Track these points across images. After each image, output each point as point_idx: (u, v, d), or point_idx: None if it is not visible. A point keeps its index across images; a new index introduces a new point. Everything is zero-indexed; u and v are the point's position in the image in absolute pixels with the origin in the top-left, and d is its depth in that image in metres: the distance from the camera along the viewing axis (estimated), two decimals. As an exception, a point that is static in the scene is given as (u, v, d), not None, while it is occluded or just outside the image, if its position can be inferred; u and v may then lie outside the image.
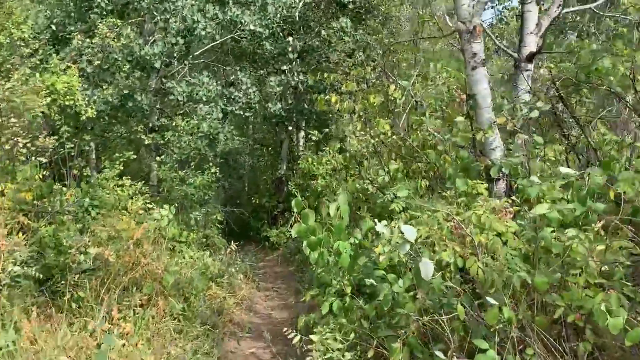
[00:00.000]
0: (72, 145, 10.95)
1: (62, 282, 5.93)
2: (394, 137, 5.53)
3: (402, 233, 3.86)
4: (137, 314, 5.88)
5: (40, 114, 8.61)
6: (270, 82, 12.29)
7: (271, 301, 8.91)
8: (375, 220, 4.50)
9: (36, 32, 11.24)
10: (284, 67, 12.25)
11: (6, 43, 10.46)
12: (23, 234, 7.59)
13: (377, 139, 5.47)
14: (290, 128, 13.85)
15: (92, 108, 10.03)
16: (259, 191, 16.71)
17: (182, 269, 9.05)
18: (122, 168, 12.26)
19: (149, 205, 9.64)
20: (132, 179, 12.46)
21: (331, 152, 9.91)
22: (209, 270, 8.78)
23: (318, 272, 4.88)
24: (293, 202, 4.44)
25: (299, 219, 4.33)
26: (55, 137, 10.73)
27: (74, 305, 5.64)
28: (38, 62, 10.47)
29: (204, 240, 10.63)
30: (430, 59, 9.15)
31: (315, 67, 12.89)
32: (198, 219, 10.19)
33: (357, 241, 4.59)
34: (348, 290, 4.60)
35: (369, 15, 12.09)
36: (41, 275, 6.28)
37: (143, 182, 12.41)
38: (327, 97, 7.93)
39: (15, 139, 7.89)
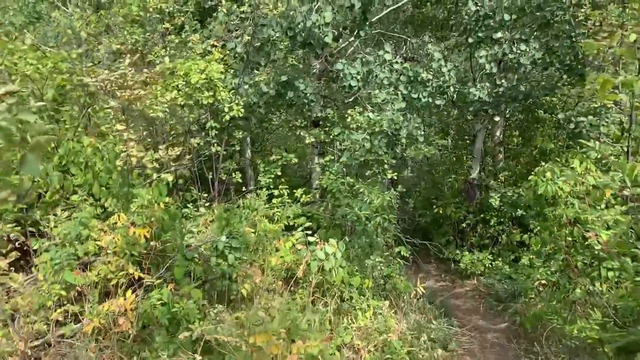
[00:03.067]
0: (218, 147, 8.65)
1: None
2: None
3: None
4: None
5: (162, 114, 6.20)
6: (479, 57, 8.65)
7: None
8: None
9: (179, 5, 9.04)
10: (498, 35, 8.52)
11: (140, 16, 8.37)
12: (133, 293, 5.26)
13: None
14: (497, 119, 10.10)
15: (237, 104, 7.45)
16: (441, 196, 13.23)
17: (354, 341, 6.12)
18: (278, 173, 9.81)
19: (310, 238, 6.85)
20: (289, 186, 9.96)
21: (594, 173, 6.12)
22: (398, 352, 5.68)
23: None
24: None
25: None
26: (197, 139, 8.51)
27: None
28: (177, 42, 8.20)
29: (382, 283, 7.58)
30: None
31: (541, 29, 8.92)
32: (378, 266, 7.14)
33: None
34: None
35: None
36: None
37: (302, 191, 9.83)
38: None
39: (127, 151, 5.51)
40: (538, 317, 6.81)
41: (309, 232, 7.08)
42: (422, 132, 9.28)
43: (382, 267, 7.26)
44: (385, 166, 9.26)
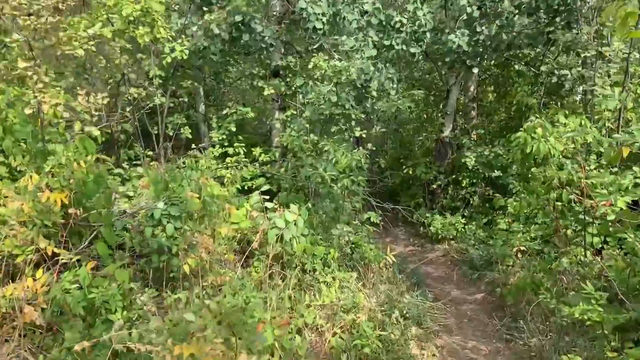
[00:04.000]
0: (162, 98, 7.52)
1: None
2: None
3: None
4: None
5: (83, 52, 5.03)
6: (460, -4, 7.69)
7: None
8: None
9: None
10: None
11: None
12: (48, 272, 4.26)
13: None
14: (475, 70, 9.24)
15: (181, 45, 6.30)
16: (411, 156, 12.45)
17: (317, 321, 5.33)
18: (233, 129, 8.77)
19: (268, 203, 5.95)
20: (248, 144, 8.99)
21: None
22: (368, 335, 4.92)
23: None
24: None
25: None
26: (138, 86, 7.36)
27: None
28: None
29: (349, 252, 6.78)
30: None
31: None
32: (346, 235, 6.30)
33: None
34: None
35: None
36: None
37: (261, 149, 8.85)
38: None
39: (37, 97, 4.41)
40: (521, 289, 6.16)
41: (267, 196, 6.19)
42: (395, 85, 8.37)
43: (350, 236, 6.44)
44: (353, 122, 8.38)
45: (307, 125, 8.16)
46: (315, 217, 6.88)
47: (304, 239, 5.93)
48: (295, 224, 5.73)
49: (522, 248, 7.74)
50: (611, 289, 5.64)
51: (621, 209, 4.13)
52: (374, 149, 8.12)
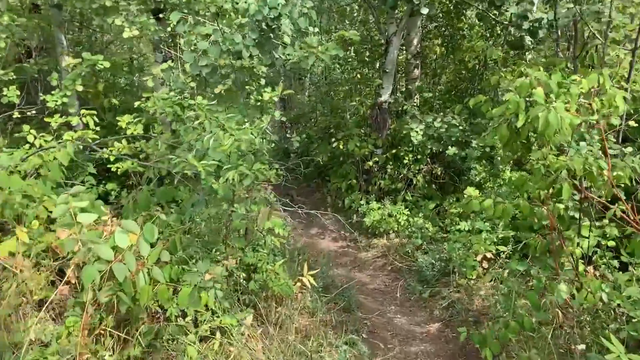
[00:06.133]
0: None
1: None
2: None
3: None
4: None
5: None
6: None
7: None
8: None
9: None
10: None
11: None
12: None
13: None
14: (425, 11, 6.89)
15: None
16: (342, 126, 10.07)
17: None
18: (79, 88, 6.04)
19: (85, 216, 3.42)
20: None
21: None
22: None
23: None
24: None
25: None
26: None
27: None
28: None
29: (243, 280, 4.38)
30: None
31: None
32: (213, 286, 3.85)
33: None
34: None
35: None
36: None
37: (133, 118, 6.23)
38: None
39: None
40: (503, 339, 4.02)
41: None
42: (314, 28, 5.91)
43: (219, 285, 3.98)
44: (262, 81, 5.90)
45: (191, 84, 5.63)
46: (194, 229, 4.43)
47: (160, 273, 3.47)
48: (131, 250, 3.25)
49: (488, 255, 5.69)
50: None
51: None
52: (285, 120, 5.68)
